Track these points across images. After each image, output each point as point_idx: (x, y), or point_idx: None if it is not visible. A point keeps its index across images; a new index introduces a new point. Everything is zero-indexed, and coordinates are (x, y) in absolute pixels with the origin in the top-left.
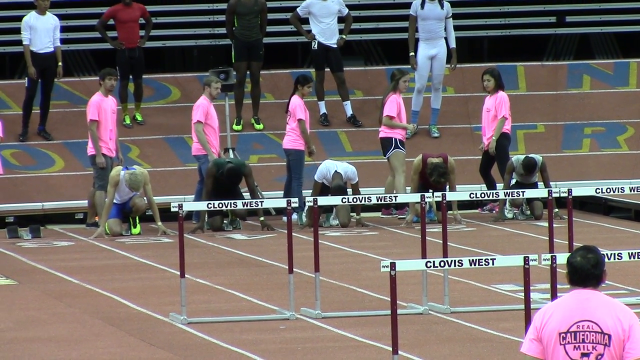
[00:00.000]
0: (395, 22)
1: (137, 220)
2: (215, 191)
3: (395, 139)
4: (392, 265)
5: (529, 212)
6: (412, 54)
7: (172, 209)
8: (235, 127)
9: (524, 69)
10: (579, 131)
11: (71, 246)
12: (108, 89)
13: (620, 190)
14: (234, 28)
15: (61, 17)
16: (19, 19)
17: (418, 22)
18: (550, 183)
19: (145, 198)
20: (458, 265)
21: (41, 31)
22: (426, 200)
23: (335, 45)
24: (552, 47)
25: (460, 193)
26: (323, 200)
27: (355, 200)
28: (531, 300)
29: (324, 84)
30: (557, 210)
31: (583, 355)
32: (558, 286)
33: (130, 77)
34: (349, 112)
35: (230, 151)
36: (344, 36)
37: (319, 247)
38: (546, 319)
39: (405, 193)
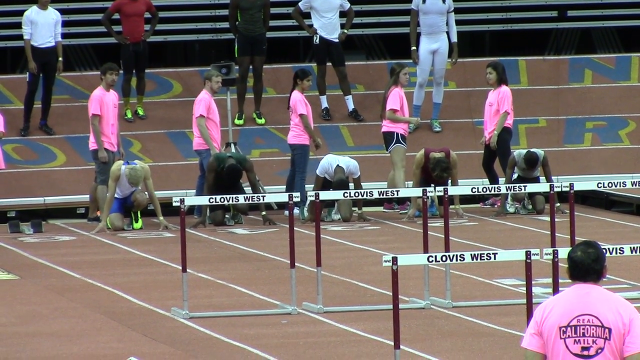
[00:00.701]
0: (397, 16)
1: (139, 215)
2: (217, 186)
3: (397, 134)
4: (394, 259)
5: (530, 207)
6: (413, 48)
7: (174, 204)
8: (237, 121)
9: (526, 64)
10: (580, 125)
11: (73, 241)
12: (109, 84)
13: (622, 184)
14: (237, 22)
15: (62, 11)
16: (21, 13)
17: (420, 17)
18: (552, 177)
19: (146, 193)
20: (460, 260)
21: (42, 26)
22: (428, 194)
23: (337, 40)
24: (554, 42)
25: (462, 187)
26: (325, 195)
27: (357, 194)
28: (533, 294)
29: (326, 78)
30: (558, 204)
31: (583, 349)
32: (560, 281)
33: (133, 71)
34: (351, 106)
35: (232, 145)
36: (345, 30)
37: (321, 241)
38: (547, 313)
39: (405, 188)
